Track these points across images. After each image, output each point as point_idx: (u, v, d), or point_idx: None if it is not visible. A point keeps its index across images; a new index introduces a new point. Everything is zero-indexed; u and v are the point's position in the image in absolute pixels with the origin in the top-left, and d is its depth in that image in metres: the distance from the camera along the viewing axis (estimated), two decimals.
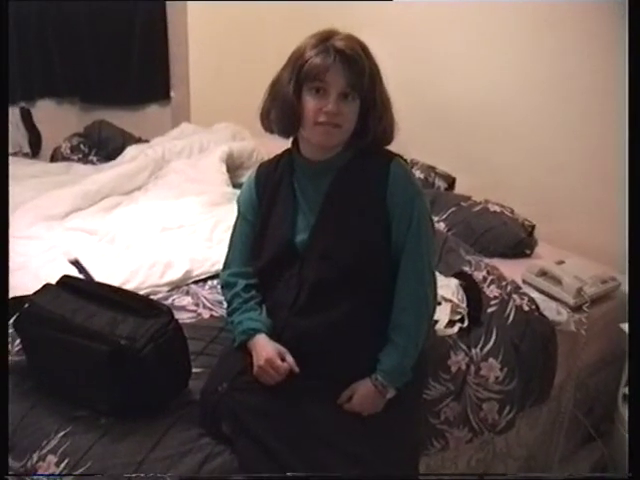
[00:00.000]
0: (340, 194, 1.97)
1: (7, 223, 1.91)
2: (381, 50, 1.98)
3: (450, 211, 3.25)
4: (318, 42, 1.89)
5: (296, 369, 1.88)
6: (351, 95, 1.88)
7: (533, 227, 3.18)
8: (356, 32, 1.96)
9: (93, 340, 1.85)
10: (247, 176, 2.28)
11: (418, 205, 1.94)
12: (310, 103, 1.88)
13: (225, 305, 2.21)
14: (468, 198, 3.36)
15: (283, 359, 1.89)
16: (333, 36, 1.90)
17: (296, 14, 4.53)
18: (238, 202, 2.19)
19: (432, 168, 3.65)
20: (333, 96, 1.86)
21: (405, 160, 2.05)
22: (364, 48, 1.92)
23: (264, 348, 1.91)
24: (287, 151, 2.10)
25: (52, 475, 1.82)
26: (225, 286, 2.15)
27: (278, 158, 2.12)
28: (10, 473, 1.82)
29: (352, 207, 1.95)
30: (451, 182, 3.63)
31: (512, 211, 3.24)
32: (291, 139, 2.06)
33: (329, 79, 1.86)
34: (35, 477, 1.84)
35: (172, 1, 4.75)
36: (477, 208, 3.25)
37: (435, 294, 2.06)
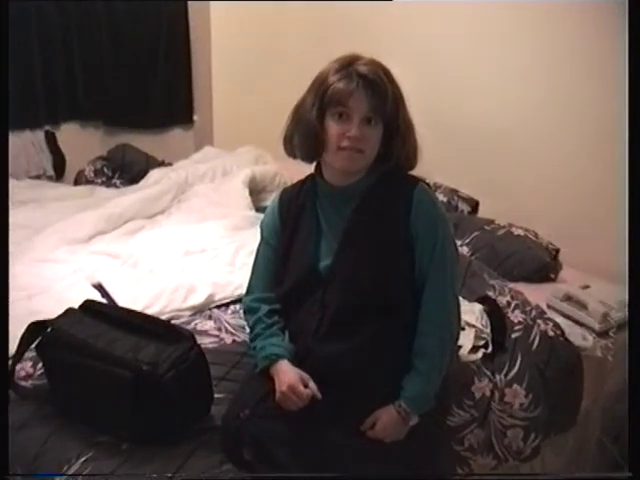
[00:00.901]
0: (363, 219, 1.96)
1: (7, 233, 1.92)
2: (403, 74, 1.98)
3: (474, 235, 3.23)
4: (341, 67, 1.90)
5: (319, 395, 1.87)
6: (374, 120, 1.88)
7: (557, 251, 3.15)
8: (379, 57, 1.96)
9: (115, 365, 1.85)
10: (270, 200, 2.28)
11: (442, 231, 1.94)
12: (333, 128, 1.88)
13: (247, 330, 2.20)
14: (491, 221, 3.34)
15: (306, 385, 1.88)
16: (356, 61, 1.90)
17: (318, 39, 4.55)
18: (261, 227, 2.19)
19: (455, 191, 3.63)
20: (356, 121, 1.86)
21: (429, 185, 2.04)
22: (387, 73, 1.92)
23: (286, 374, 1.89)
24: (310, 176, 2.09)
25: (52, 475, 1.83)
26: (248, 311, 2.14)
27: (301, 183, 2.12)
28: (10, 473, 1.81)
29: (375, 232, 1.94)
30: (474, 205, 3.61)
31: (536, 235, 3.21)
32: (314, 164, 2.06)
33: (352, 104, 1.86)
34: (35, 477, 1.86)
35: (196, 24, 4.79)
36: (501, 232, 3.23)
37: (459, 320, 2.05)
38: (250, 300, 2.14)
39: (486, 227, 3.28)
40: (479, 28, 3.61)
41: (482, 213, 3.59)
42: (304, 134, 1.94)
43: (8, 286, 1.92)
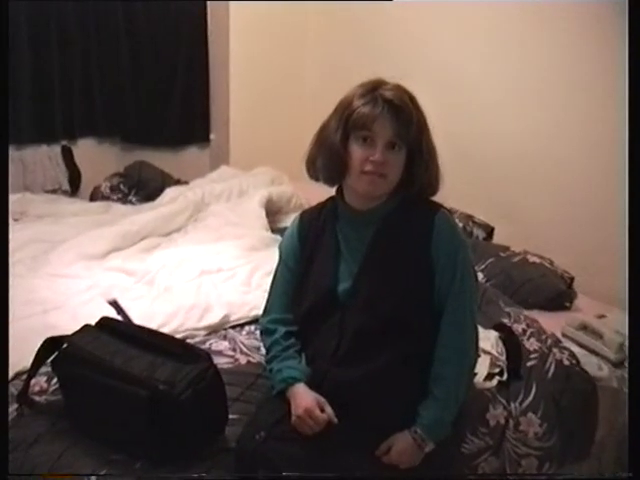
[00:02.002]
0: (384, 244, 1.96)
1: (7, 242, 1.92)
2: (422, 99, 1.98)
3: (489, 261, 3.21)
4: (366, 91, 1.90)
5: (335, 420, 1.86)
6: (398, 145, 1.88)
7: (572, 279, 3.14)
8: (395, 79, 1.97)
9: (131, 384, 1.85)
10: (287, 221, 2.27)
11: (462, 257, 1.93)
12: (357, 152, 1.88)
13: (263, 351, 2.20)
14: (507, 248, 3.33)
15: (322, 409, 1.87)
16: (381, 86, 1.91)
17: (336, 60, 4.57)
18: (280, 248, 2.18)
19: (470, 217, 3.63)
20: (380, 146, 1.86)
21: (449, 211, 2.04)
22: (412, 98, 1.93)
23: (303, 398, 1.89)
24: (331, 199, 2.09)
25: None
26: (264, 333, 2.13)
27: (322, 206, 2.12)
28: (10, 473, 1.80)
29: (395, 257, 1.94)
30: (489, 232, 3.60)
31: (551, 262, 3.20)
32: (331, 186, 2.06)
33: (376, 129, 1.86)
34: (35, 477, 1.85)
35: (214, 44, 4.83)
36: (516, 259, 3.22)
37: (477, 347, 2.03)
38: (267, 321, 2.13)
39: (501, 254, 3.27)
40: (495, 52, 3.63)
41: (497, 240, 3.58)
42: (327, 157, 1.94)
43: (8, 297, 1.91)
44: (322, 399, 1.89)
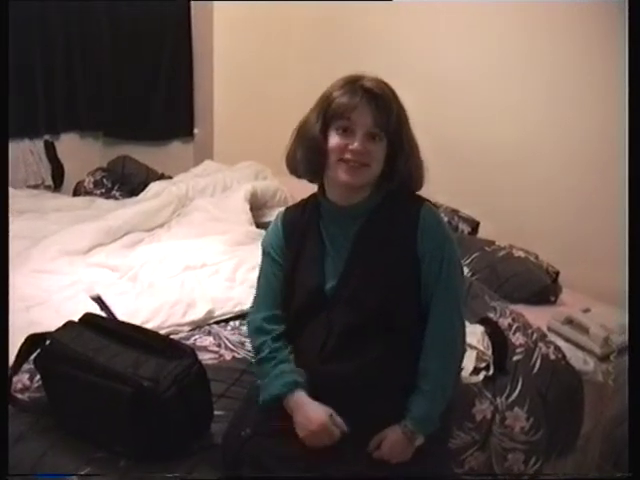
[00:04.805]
0: (369, 240, 1.94)
1: (7, 244, 1.90)
2: (407, 95, 1.96)
3: (474, 256, 3.21)
4: (346, 83, 1.90)
5: (345, 429, 1.82)
6: (378, 136, 1.87)
7: (557, 273, 3.15)
8: (381, 74, 1.95)
9: (115, 381, 1.82)
10: (271, 216, 2.24)
11: (448, 251, 1.92)
12: (335, 140, 1.87)
13: (248, 347, 2.19)
14: (492, 243, 3.33)
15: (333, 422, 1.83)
16: (362, 78, 1.90)
17: (321, 56, 4.56)
18: (264, 245, 2.11)
19: (455, 211, 3.63)
20: (359, 135, 1.85)
21: (434, 204, 2.02)
22: (392, 90, 1.92)
23: (314, 411, 1.83)
24: (312, 196, 2.07)
25: (53, 475, 1.82)
26: (255, 331, 2.05)
27: (304, 203, 2.09)
28: (10, 473, 1.79)
29: (381, 253, 1.92)
30: (475, 226, 3.60)
31: (536, 257, 3.20)
32: (311, 181, 2.04)
33: (355, 118, 1.85)
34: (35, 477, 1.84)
35: (198, 38, 4.81)
36: (501, 253, 3.22)
37: (464, 341, 2.02)
38: (260, 319, 2.05)
39: (487, 248, 3.27)
40: (480, 47, 3.64)
41: (482, 234, 3.58)
42: (307, 149, 1.92)
43: (8, 296, 1.89)
44: (330, 410, 1.84)
